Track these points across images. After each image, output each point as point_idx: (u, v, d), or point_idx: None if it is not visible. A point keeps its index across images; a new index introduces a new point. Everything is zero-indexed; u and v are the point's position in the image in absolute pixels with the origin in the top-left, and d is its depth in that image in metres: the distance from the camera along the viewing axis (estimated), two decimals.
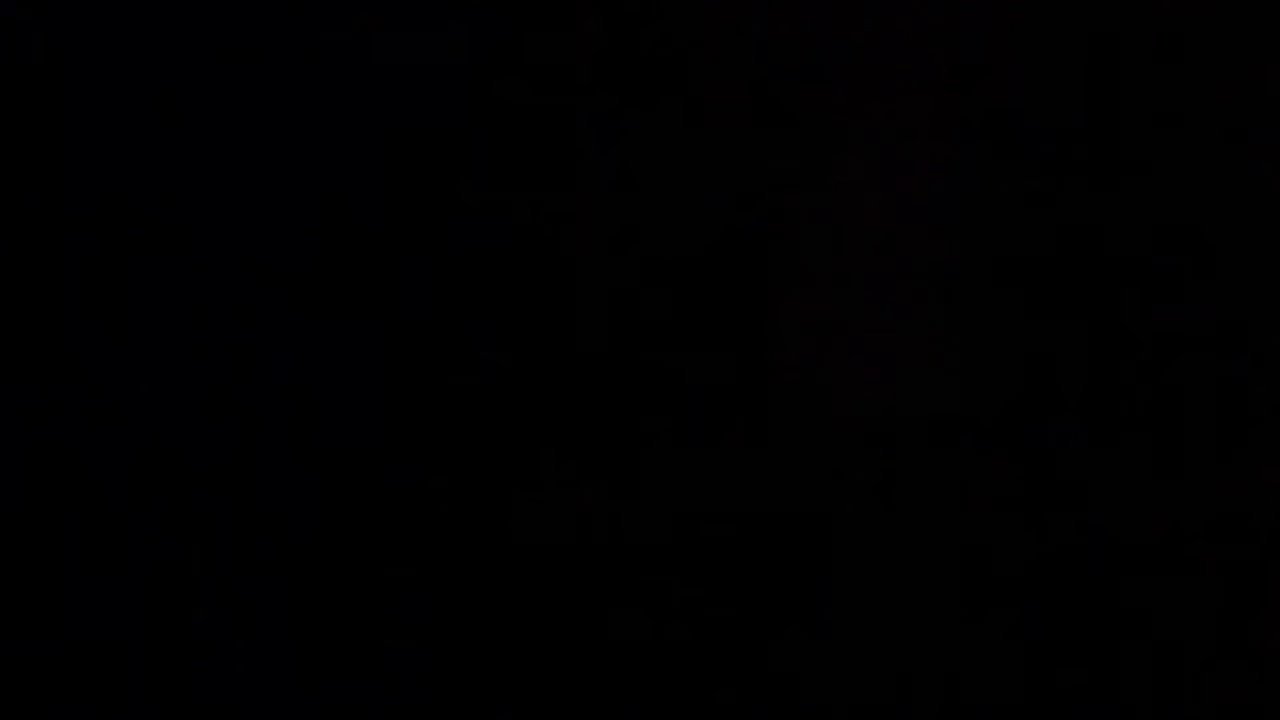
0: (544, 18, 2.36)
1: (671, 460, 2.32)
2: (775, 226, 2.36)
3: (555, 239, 2.36)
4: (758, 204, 2.35)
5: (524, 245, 2.36)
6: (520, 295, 2.35)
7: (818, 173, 2.36)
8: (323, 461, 2.33)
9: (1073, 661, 2.29)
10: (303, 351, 2.34)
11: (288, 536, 2.32)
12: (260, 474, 2.33)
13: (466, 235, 2.36)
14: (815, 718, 2.29)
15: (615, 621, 2.31)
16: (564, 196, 2.36)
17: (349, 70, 2.37)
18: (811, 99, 2.34)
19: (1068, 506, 2.31)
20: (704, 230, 2.36)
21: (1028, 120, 2.35)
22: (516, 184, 2.36)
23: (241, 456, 2.33)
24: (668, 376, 2.34)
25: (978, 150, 2.36)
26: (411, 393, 2.35)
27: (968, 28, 2.36)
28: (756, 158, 2.36)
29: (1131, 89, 2.35)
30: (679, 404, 2.34)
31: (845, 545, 2.32)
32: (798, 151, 2.36)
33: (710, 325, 2.35)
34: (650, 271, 2.34)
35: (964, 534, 2.31)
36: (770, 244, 2.34)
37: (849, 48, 2.36)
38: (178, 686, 2.29)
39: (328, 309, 2.34)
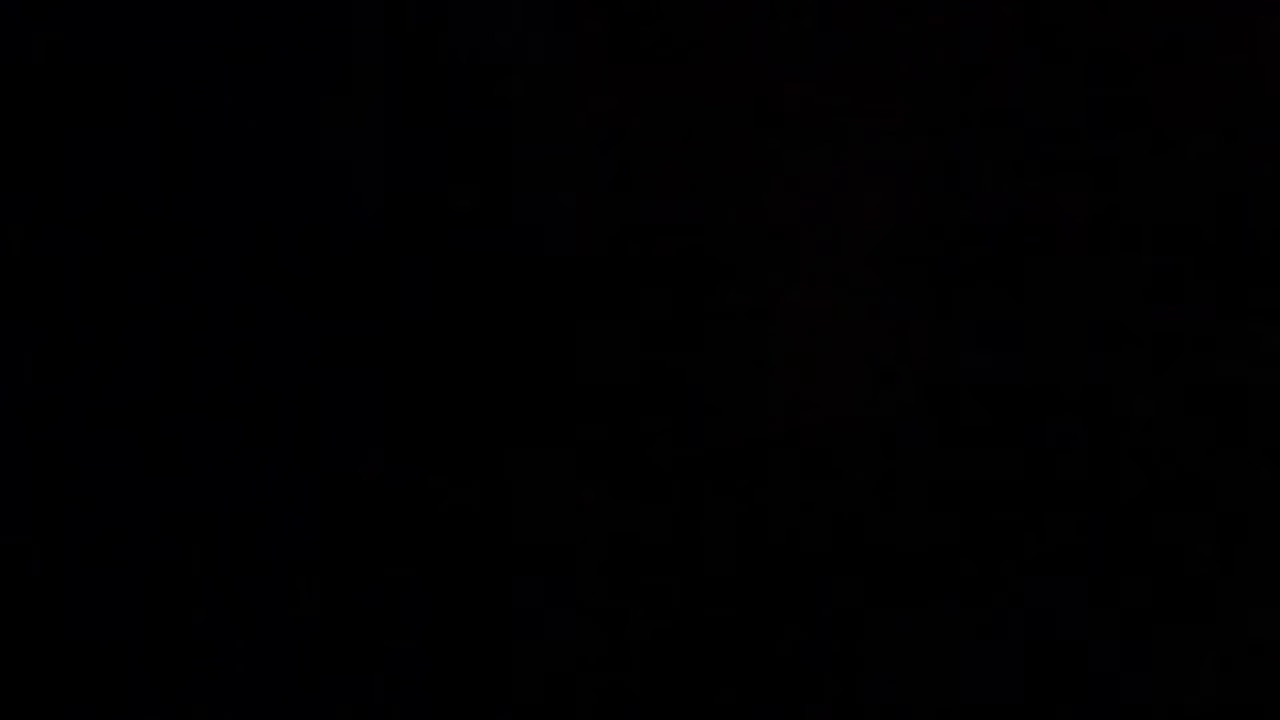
0: (544, 16, 2.37)
1: (652, 460, 2.33)
2: (746, 226, 2.36)
3: (537, 238, 2.36)
4: (728, 204, 2.35)
5: (514, 246, 2.36)
6: (500, 296, 2.35)
7: (784, 175, 2.36)
8: (322, 461, 2.33)
9: (1065, 662, 2.29)
10: (301, 350, 2.34)
11: (286, 536, 2.32)
12: (258, 474, 2.33)
13: (463, 234, 2.36)
14: (814, 717, 2.30)
15: (602, 618, 2.31)
16: (554, 196, 2.36)
17: (348, 69, 2.37)
18: (779, 99, 2.35)
19: (1043, 510, 2.31)
20: (678, 230, 2.36)
21: (1001, 122, 2.36)
22: (510, 183, 2.37)
23: (240, 456, 2.33)
24: (639, 377, 2.34)
25: (947, 152, 2.36)
26: (408, 392, 2.35)
27: (943, 28, 2.36)
28: (720, 160, 2.36)
29: (1111, 90, 2.35)
30: (658, 403, 2.34)
31: (813, 550, 2.32)
32: (760, 154, 2.36)
33: (680, 327, 2.35)
34: (642, 273, 2.35)
35: (936, 535, 2.31)
36: (739, 245, 2.35)
37: (822, 46, 2.36)
38: (176, 686, 2.29)
39: (327, 308, 2.34)
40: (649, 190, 2.36)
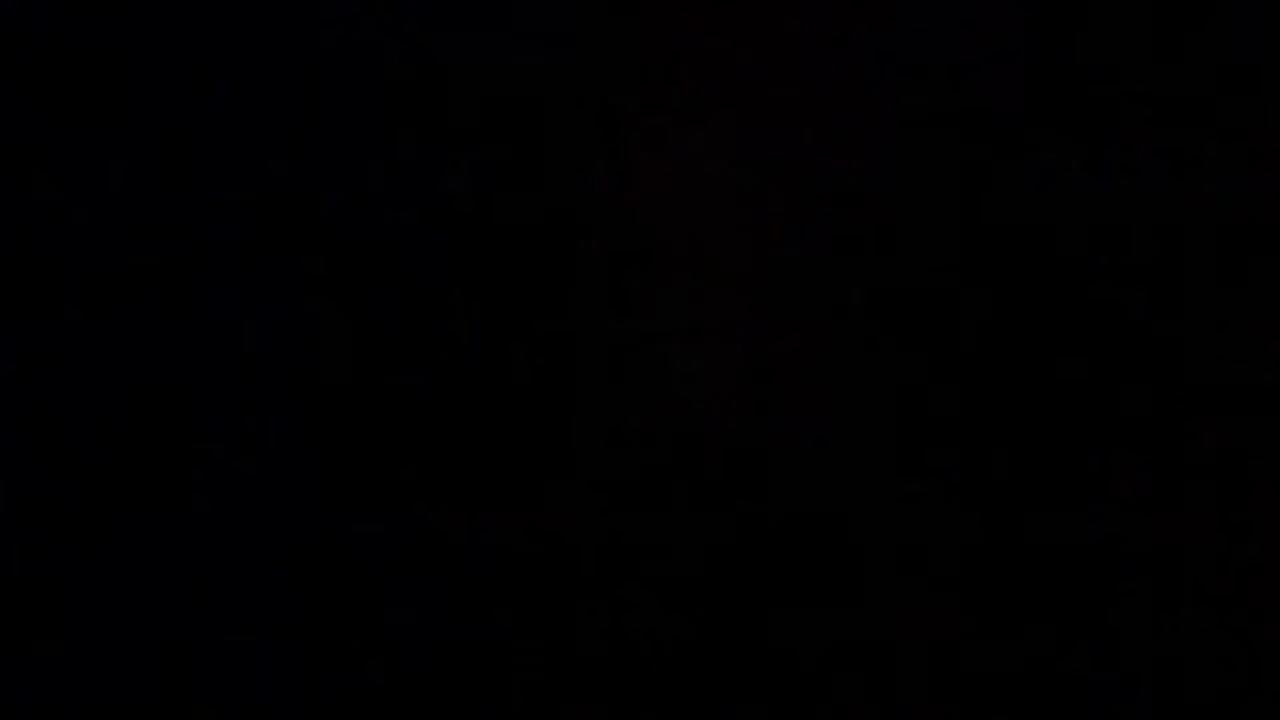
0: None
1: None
2: (608, 219, 2.35)
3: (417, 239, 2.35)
4: (580, 205, 2.34)
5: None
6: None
7: (641, 177, 2.35)
8: (312, 466, 2.33)
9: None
10: (291, 354, 2.34)
11: (281, 541, 2.32)
12: (252, 474, 2.33)
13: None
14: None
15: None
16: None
17: (345, 68, 2.37)
18: (619, 104, 2.34)
19: (912, 503, 2.30)
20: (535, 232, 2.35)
21: (885, 116, 2.34)
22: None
23: (240, 454, 2.33)
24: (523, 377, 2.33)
25: (808, 152, 2.34)
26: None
27: (798, 29, 2.35)
28: (570, 161, 2.35)
29: (972, 84, 2.33)
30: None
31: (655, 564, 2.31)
32: (612, 155, 2.35)
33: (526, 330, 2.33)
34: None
35: (820, 533, 2.30)
36: (595, 243, 2.34)
37: (667, 45, 2.35)
38: (173, 685, 2.30)
39: (316, 311, 2.34)
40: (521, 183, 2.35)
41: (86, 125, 2.35)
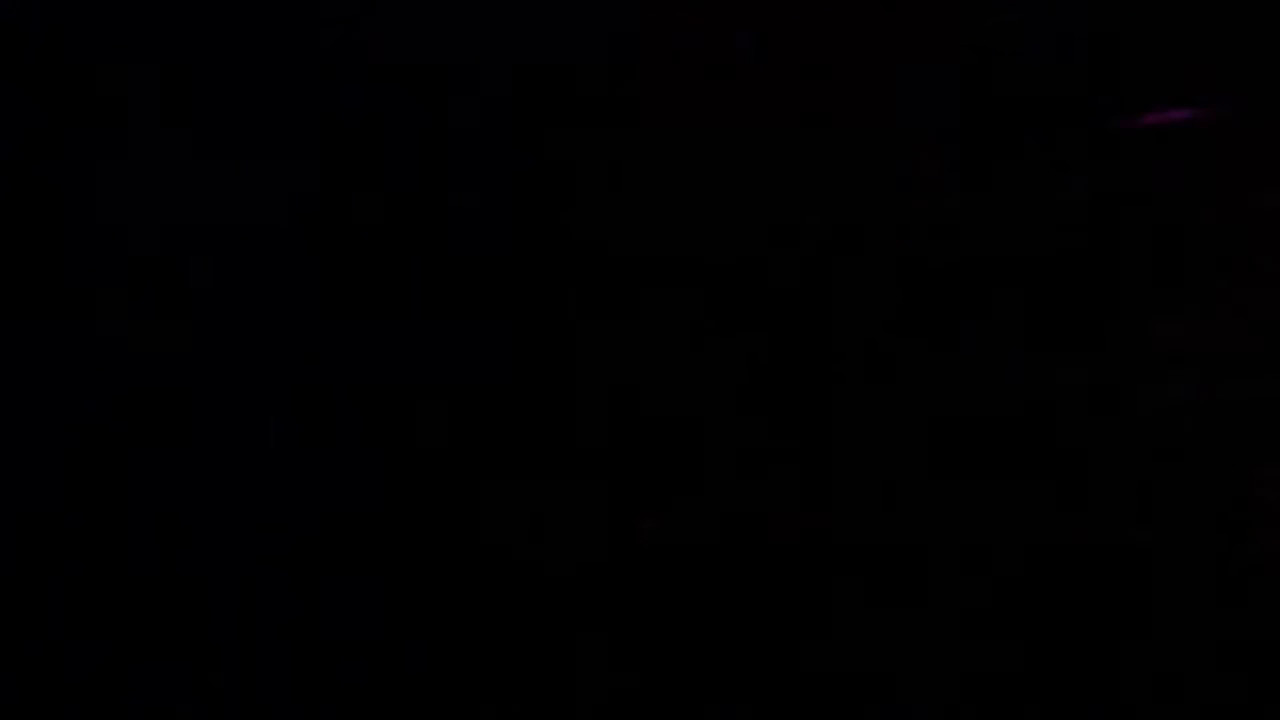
0: None
1: None
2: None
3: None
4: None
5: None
6: None
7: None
8: (314, 470, 2.34)
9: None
10: (289, 352, 2.35)
11: (284, 541, 2.33)
12: (255, 475, 2.34)
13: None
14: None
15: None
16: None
17: (345, 72, 2.37)
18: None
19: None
20: None
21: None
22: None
23: (242, 454, 2.34)
24: None
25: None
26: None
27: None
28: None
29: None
30: None
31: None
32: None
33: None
34: None
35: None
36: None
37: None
38: (173, 683, 2.31)
39: (320, 312, 2.35)
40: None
41: (85, 124, 2.37)
